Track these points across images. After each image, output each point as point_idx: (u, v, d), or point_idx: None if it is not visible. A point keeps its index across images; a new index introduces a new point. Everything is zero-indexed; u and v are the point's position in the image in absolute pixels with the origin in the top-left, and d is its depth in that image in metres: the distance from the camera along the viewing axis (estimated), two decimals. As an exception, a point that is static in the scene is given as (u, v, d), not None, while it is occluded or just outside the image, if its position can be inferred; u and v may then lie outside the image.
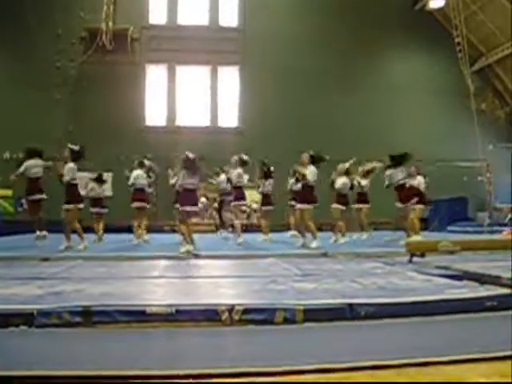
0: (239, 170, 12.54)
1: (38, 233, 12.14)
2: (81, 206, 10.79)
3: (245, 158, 12.81)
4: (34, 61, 21.99)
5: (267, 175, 13.76)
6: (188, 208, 10.01)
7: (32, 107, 21.95)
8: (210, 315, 3.98)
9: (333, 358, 3.05)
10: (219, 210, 15.32)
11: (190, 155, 10.13)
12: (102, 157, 19.84)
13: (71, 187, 10.56)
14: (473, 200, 21.98)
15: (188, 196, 10.00)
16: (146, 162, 13.57)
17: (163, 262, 8.17)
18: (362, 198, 14.35)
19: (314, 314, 4.04)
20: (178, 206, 10.81)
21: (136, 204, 12.79)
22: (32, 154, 12.25)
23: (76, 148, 10.79)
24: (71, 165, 10.55)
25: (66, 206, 10.47)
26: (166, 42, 23.66)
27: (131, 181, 12.94)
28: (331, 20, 23.66)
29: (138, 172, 13.04)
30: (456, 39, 22.85)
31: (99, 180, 14.29)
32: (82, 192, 12.02)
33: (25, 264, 7.93)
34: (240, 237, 12.30)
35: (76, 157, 10.70)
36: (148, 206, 13.49)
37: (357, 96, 23.57)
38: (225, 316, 3.95)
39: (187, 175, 9.99)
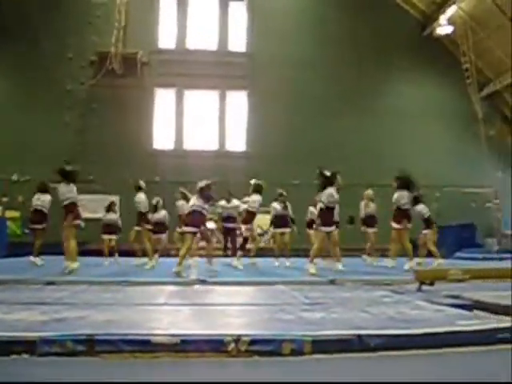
0: (257, 197, 12.98)
1: (32, 258, 12.73)
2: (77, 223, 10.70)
3: (261, 184, 13.18)
4: (44, 83, 22.18)
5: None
6: (190, 229, 10.25)
7: (42, 129, 22.08)
8: (215, 346, 3.89)
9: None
10: (225, 236, 15.25)
11: (204, 183, 10.56)
12: (110, 179, 19.92)
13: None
14: (481, 226, 21.83)
15: (194, 217, 10.25)
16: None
17: (169, 288, 8.08)
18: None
19: (323, 346, 3.95)
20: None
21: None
22: (42, 189, 13.04)
23: (68, 169, 10.93)
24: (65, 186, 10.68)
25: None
26: (175, 66, 23.78)
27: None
28: (339, 45, 23.79)
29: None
30: (464, 65, 22.90)
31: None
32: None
33: (29, 288, 7.86)
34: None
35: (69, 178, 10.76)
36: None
37: (365, 121, 23.60)
38: (231, 347, 3.86)
39: (197, 200, 10.37)
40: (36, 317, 4.88)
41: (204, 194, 10.43)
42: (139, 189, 13.19)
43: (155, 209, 14.26)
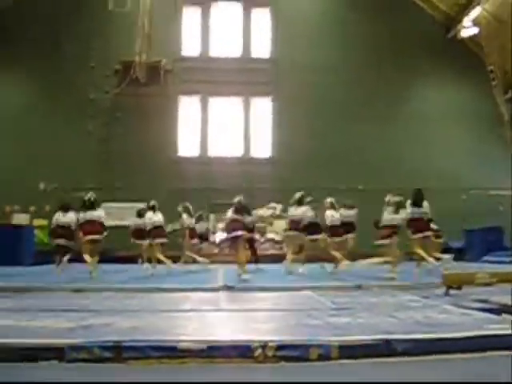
0: (303, 209, 13.28)
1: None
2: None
3: (301, 196, 13.51)
4: (66, 91, 22.38)
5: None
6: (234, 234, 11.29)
7: (66, 138, 22.25)
8: (242, 351, 3.88)
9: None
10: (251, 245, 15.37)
11: (240, 200, 11.63)
12: (135, 187, 20.03)
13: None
14: (508, 229, 21.51)
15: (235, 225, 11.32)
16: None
17: (195, 294, 8.08)
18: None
19: (350, 351, 3.92)
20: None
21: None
22: (65, 208, 13.25)
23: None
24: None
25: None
26: (199, 73, 23.84)
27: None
28: (361, 49, 23.68)
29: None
30: (489, 67, 22.66)
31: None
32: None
33: (56, 295, 7.93)
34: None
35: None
36: None
37: (390, 125, 23.43)
38: (258, 352, 3.84)
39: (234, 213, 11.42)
40: (63, 324, 4.92)
41: (238, 207, 11.49)
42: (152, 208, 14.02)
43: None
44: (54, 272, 12.84)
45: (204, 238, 16.41)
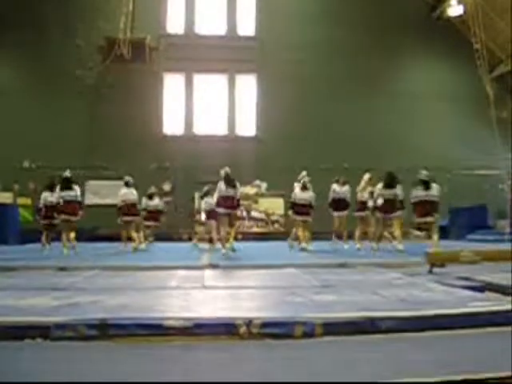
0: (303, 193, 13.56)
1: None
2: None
3: (306, 182, 13.66)
4: (53, 70, 22.20)
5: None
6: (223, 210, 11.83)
7: (51, 116, 22.15)
8: (227, 329, 3.90)
9: (352, 374, 2.97)
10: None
11: (227, 170, 11.95)
12: (121, 165, 19.96)
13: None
14: (493, 208, 21.71)
15: (225, 201, 11.79)
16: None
17: (180, 272, 8.10)
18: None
19: (334, 328, 3.96)
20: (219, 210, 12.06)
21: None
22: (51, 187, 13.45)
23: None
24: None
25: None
26: (184, 50, 23.70)
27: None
28: (348, 28, 23.60)
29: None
30: (475, 46, 22.66)
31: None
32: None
33: (42, 273, 7.92)
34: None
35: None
36: None
37: (374, 103, 23.46)
38: (242, 330, 3.87)
39: (225, 186, 11.81)
40: (49, 302, 4.92)
41: (230, 180, 11.82)
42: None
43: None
44: (38, 250, 12.87)
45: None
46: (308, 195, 13.39)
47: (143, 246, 14.26)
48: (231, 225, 12.44)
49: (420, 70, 24.71)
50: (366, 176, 14.04)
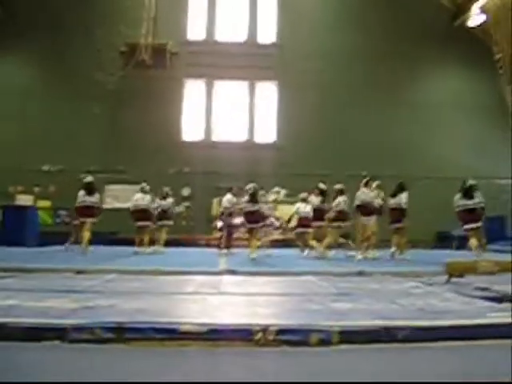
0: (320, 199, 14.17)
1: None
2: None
3: (323, 187, 14.28)
4: (74, 74, 22.38)
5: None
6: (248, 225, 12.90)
7: (71, 121, 22.32)
8: (243, 335, 3.90)
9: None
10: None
11: (255, 186, 12.87)
12: (140, 170, 20.06)
13: None
14: (510, 219, 21.52)
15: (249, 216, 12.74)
16: None
17: (198, 278, 8.11)
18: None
19: (350, 336, 3.94)
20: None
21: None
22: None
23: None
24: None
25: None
26: (205, 57, 23.77)
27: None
28: (368, 35, 23.54)
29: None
30: (496, 55, 22.50)
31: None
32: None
33: (60, 276, 7.97)
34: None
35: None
36: None
37: (393, 112, 23.36)
38: (258, 336, 3.87)
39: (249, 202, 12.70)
40: (66, 304, 4.95)
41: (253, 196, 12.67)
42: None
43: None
44: (57, 253, 12.98)
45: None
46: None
47: (149, 250, 14.29)
48: (256, 238, 13.08)
49: (439, 79, 24.56)
50: (375, 183, 13.98)
